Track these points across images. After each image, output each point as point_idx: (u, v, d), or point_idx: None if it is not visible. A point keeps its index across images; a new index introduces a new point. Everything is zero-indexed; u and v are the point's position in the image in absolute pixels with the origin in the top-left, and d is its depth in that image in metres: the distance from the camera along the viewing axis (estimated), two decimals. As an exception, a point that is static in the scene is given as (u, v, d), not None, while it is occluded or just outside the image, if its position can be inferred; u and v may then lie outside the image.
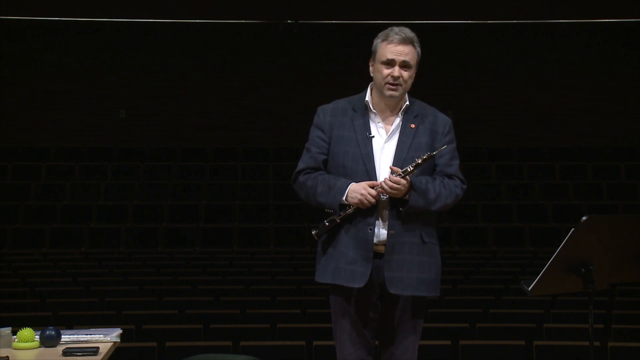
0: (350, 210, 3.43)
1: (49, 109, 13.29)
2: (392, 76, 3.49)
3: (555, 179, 12.35)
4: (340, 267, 3.46)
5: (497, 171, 12.52)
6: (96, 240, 10.67)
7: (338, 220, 3.46)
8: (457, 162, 3.60)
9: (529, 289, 3.20)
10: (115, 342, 3.44)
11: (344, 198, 3.44)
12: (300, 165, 3.60)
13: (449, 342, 6.47)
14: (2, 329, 3.34)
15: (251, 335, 6.80)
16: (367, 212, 3.43)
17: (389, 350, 3.53)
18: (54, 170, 12.32)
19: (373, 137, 3.53)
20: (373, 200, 3.39)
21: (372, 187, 3.42)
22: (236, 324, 7.18)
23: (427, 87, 13.47)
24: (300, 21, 12.69)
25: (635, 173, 12.34)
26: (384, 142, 3.53)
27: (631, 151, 13.01)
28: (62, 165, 12.45)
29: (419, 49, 3.56)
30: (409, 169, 3.39)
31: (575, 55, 13.61)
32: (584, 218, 3.02)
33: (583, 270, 3.12)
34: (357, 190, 3.41)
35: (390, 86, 3.50)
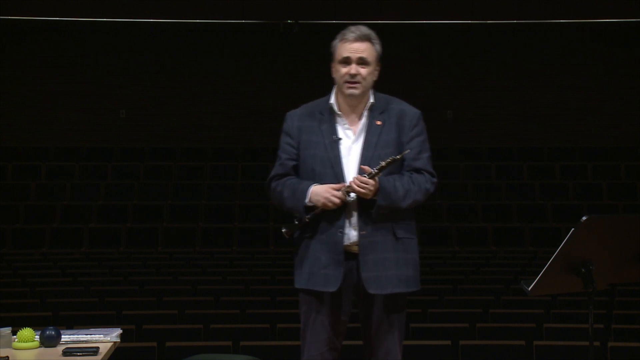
0: (318, 210, 3.43)
1: (49, 109, 13.29)
2: (350, 74, 3.48)
3: (555, 179, 12.35)
4: (315, 272, 3.46)
5: (497, 171, 12.52)
6: (96, 240, 10.67)
7: (307, 220, 3.46)
8: (426, 155, 3.55)
9: (529, 289, 3.20)
10: (115, 342, 3.44)
11: (307, 200, 3.45)
12: (271, 173, 3.62)
13: (449, 342, 6.46)
14: (2, 329, 3.34)
15: (251, 335, 6.80)
16: (336, 214, 3.43)
17: (372, 352, 3.54)
18: (54, 170, 12.32)
19: (340, 139, 3.52)
20: (338, 201, 3.39)
21: (338, 189, 3.41)
22: (236, 324, 7.17)
23: (427, 87, 13.49)
24: (300, 21, 12.69)
25: (635, 173, 12.34)
26: (351, 143, 3.53)
27: (631, 151, 13.01)
28: (62, 165, 12.45)
29: (377, 46, 3.54)
30: (373, 171, 3.37)
31: (575, 55, 13.61)
32: (583, 218, 3.02)
33: (583, 270, 3.11)
34: (320, 193, 3.42)
35: (349, 84, 3.49)
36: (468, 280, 8.82)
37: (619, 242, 3.13)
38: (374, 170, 3.38)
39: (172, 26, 13.14)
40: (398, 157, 3.42)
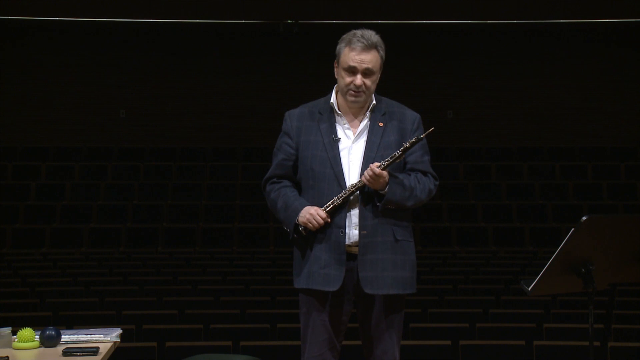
0: (303, 233, 3.48)
1: (49, 109, 13.29)
2: (355, 84, 3.49)
3: (555, 179, 12.35)
4: (314, 272, 3.47)
5: (497, 171, 12.52)
6: (96, 240, 10.67)
7: (294, 236, 3.51)
8: (428, 157, 3.60)
9: (529, 289, 3.20)
10: (115, 342, 3.44)
11: (296, 220, 3.48)
12: (268, 173, 3.65)
13: (449, 342, 6.47)
14: (2, 329, 3.34)
15: (251, 335, 6.80)
16: (337, 214, 3.45)
17: (370, 352, 3.56)
18: (54, 170, 12.31)
19: (339, 139, 3.53)
20: (321, 221, 3.41)
21: (325, 208, 3.43)
22: (236, 324, 7.18)
23: (427, 87, 13.49)
24: (300, 21, 12.69)
25: (635, 173, 12.34)
26: (351, 143, 3.54)
27: (631, 151, 13.01)
28: (62, 165, 12.45)
29: (382, 53, 3.54)
30: (383, 164, 3.39)
31: (575, 55, 13.61)
32: (583, 218, 3.02)
33: (583, 270, 3.11)
34: (307, 210, 3.45)
35: (353, 93, 3.51)
36: (468, 280, 8.81)
37: (619, 242, 3.13)
38: (383, 163, 3.40)
39: (172, 26, 13.14)
40: (422, 136, 3.46)
